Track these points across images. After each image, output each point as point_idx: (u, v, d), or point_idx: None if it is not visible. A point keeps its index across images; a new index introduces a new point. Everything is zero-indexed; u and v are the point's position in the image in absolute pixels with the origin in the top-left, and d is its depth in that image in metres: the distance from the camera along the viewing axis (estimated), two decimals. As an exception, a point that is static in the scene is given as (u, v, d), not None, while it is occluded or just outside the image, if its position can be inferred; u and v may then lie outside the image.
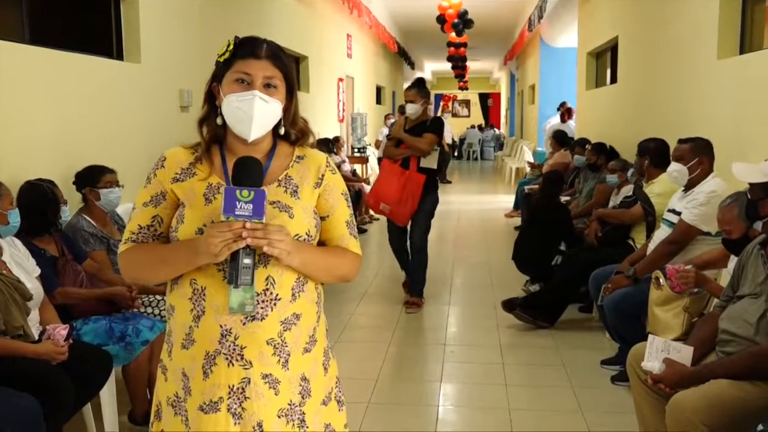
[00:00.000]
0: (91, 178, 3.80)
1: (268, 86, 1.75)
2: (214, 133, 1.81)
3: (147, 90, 5.00)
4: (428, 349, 4.75)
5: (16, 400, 2.51)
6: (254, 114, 1.71)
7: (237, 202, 1.60)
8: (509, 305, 5.09)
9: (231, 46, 1.77)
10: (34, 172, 3.63)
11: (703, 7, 4.80)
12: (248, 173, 1.67)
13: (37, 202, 3.36)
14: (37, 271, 3.14)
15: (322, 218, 1.85)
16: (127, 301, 3.43)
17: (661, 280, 3.27)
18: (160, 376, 1.83)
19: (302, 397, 1.77)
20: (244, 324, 1.69)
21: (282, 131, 1.83)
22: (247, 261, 1.61)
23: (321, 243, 1.87)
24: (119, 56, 4.89)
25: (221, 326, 1.69)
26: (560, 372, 4.24)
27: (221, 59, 1.78)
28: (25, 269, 3.05)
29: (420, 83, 5.57)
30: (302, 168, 1.84)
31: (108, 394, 3.23)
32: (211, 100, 1.82)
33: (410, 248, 5.61)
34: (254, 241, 1.60)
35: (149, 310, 3.59)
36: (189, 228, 1.71)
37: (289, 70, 1.81)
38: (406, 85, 26.74)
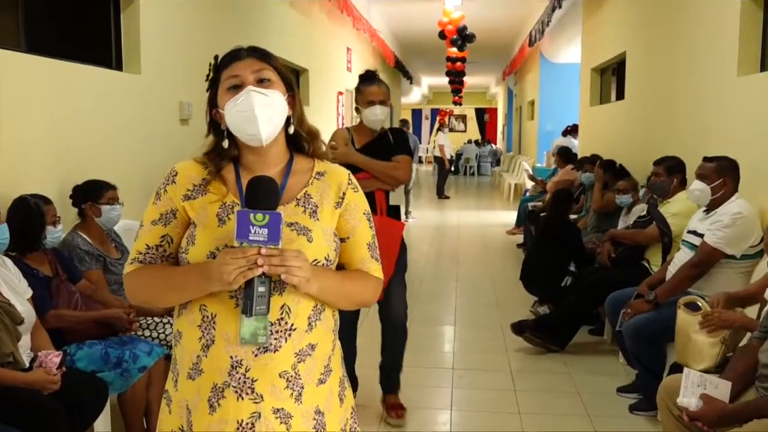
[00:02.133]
0: (93, 193, 3.62)
1: (261, 81, 1.65)
2: (226, 155, 1.69)
3: (146, 102, 4.83)
4: (436, 374, 4.56)
5: (4, 436, 2.33)
6: (255, 107, 1.59)
7: (251, 227, 1.47)
8: (518, 328, 4.92)
9: (213, 64, 1.70)
10: (28, 186, 3.45)
11: (722, 23, 4.66)
12: (262, 194, 1.53)
13: (20, 218, 3.13)
14: (29, 292, 2.95)
15: (342, 240, 1.72)
16: (124, 324, 3.24)
17: (700, 304, 3.09)
18: (164, 407, 1.69)
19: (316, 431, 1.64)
20: (255, 355, 1.56)
21: (291, 130, 1.71)
22: (261, 289, 1.48)
23: (340, 265, 1.74)
24: (118, 66, 4.72)
25: (232, 357, 1.56)
26: (575, 399, 4.07)
27: (208, 80, 1.69)
28: (16, 290, 2.86)
29: (377, 76, 3.70)
30: (322, 185, 1.72)
31: (103, 424, 3.03)
32: (216, 128, 1.70)
33: (387, 323, 3.82)
34: (271, 268, 1.47)
35: (147, 333, 3.40)
36: (200, 251, 1.59)
37: (278, 64, 1.71)
38: (403, 99, 26.61)
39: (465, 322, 5.78)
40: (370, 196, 3.39)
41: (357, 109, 3.66)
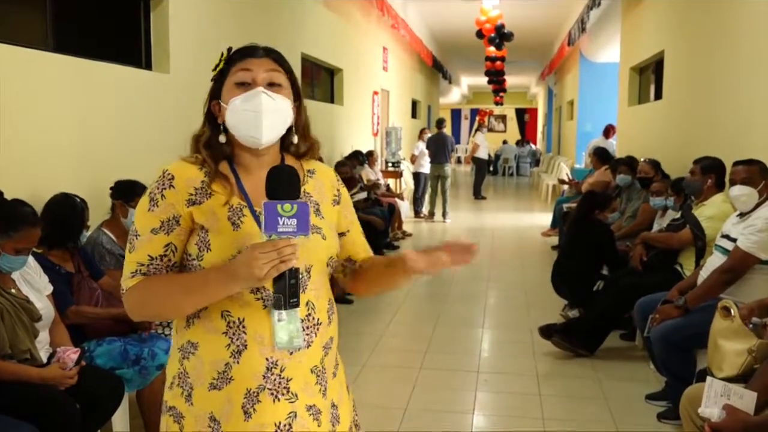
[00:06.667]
0: (128, 194, 3.60)
1: (272, 85, 1.60)
2: (220, 151, 1.63)
3: (176, 101, 4.87)
4: (460, 376, 4.50)
5: (14, 430, 2.34)
6: (262, 112, 1.55)
7: (279, 218, 1.41)
8: (547, 331, 4.82)
9: (225, 56, 1.64)
10: (57, 186, 3.49)
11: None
12: (286, 184, 1.48)
13: (65, 214, 3.24)
14: (49, 288, 2.98)
15: (341, 234, 1.75)
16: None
17: (732, 311, 2.98)
18: (172, 424, 1.58)
19: (332, 425, 1.65)
20: (291, 353, 1.55)
21: (295, 139, 1.67)
22: (292, 282, 1.46)
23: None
24: (147, 66, 4.76)
25: (267, 359, 1.53)
26: (602, 406, 3.97)
27: (216, 71, 1.64)
28: (36, 287, 2.89)
29: None
30: (317, 183, 1.72)
31: (121, 421, 3.06)
32: (212, 121, 1.65)
33: None
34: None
35: (167, 331, 3.42)
36: (219, 256, 1.52)
37: (292, 69, 1.67)
38: (442, 99, 26.62)
39: (493, 325, 5.71)
40: None
41: None
